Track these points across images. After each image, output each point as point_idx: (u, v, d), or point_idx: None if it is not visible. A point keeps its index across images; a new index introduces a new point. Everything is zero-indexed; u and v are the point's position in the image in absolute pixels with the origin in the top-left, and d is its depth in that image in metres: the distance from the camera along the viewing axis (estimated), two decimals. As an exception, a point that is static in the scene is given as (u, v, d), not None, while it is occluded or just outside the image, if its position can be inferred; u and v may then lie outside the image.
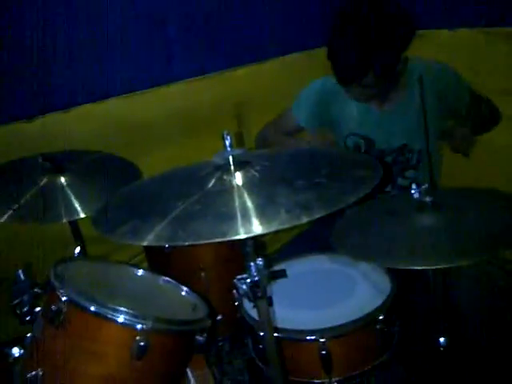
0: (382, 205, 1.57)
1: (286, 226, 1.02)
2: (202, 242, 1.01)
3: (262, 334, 1.28)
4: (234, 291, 1.20)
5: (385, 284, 1.54)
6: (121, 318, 1.23)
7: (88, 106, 2.21)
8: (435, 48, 2.22)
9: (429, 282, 1.44)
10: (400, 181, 1.97)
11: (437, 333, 1.46)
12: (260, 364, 1.53)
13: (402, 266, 1.26)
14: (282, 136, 2.04)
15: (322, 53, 1.85)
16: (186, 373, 1.48)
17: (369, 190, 1.09)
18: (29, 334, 1.35)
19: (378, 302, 1.47)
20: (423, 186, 1.37)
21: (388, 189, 1.97)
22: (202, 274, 1.78)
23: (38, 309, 1.40)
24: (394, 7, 1.70)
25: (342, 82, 1.75)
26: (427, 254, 1.28)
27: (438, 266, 1.24)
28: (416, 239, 1.33)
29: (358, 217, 1.54)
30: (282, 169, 1.22)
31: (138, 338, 1.23)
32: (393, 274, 1.55)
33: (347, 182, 1.14)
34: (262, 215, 1.05)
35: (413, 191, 1.38)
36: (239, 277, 1.18)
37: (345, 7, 1.73)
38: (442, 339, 1.46)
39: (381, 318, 1.43)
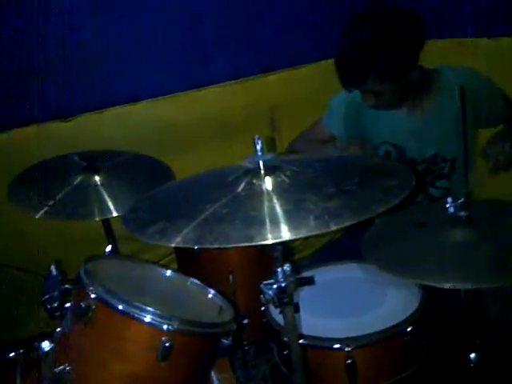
0: (413, 216, 1.54)
1: (315, 232, 1.01)
2: (229, 245, 1.01)
3: (286, 339, 1.27)
4: (261, 295, 1.20)
5: (414, 295, 1.52)
6: (147, 318, 1.24)
7: (123, 108, 2.25)
8: (474, 56, 2.18)
9: (460, 295, 1.41)
10: (431, 190, 1.93)
11: (467, 348, 1.43)
12: (284, 370, 1.52)
13: (430, 283, 1.22)
14: (313, 145, 2.03)
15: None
16: (211, 375, 1.49)
17: (400, 199, 1.07)
18: (58, 329, 1.37)
19: (407, 313, 1.44)
20: (459, 201, 1.33)
21: (419, 199, 1.94)
22: (231, 277, 1.79)
23: (67, 304, 1.42)
24: (401, 13, 1.68)
25: (345, 87, 1.74)
26: (459, 271, 1.23)
27: (470, 287, 1.20)
28: (448, 255, 1.29)
29: (387, 227, 1.51)
30: (312, 175, 1.21)
31: (163, 338, 1.24)
32: (423, 285, 1.52)
33: (378, 191, 1.12)
34: (291, 221, 1.04)
35: (448, 205, 1.35)
36: (266, 282, 1.17)
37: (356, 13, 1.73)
38: (472, 355, 1.42)
39: (409, 329, 1.41)
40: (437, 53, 2.11)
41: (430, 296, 1.49)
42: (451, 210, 1.34)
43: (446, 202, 1.34)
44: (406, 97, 1.80)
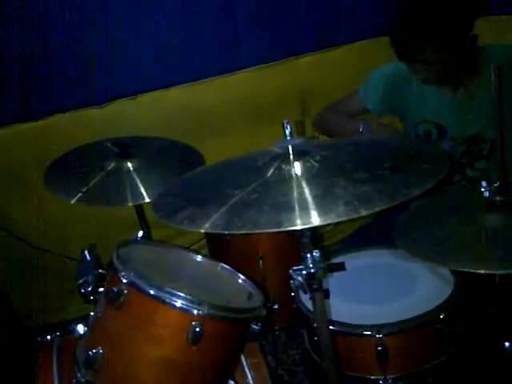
0: (448, 200, 1.50)
1: (345, 218, 0.99)
2: (257, 231, 1.01)
3: (316, 326, 1.26)
4: (291, 281, 1.20)
5: (448, 282, 1.49)
6: (178, 303, 1.25)
7: (155, 94, 2.27)
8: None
9: (495, 282, 1.37)
10: (469, 172, 1.88)
11: (502, 336, 1.40)
12: (315, 356, 1.52)
13: (465, 269, 1.20)
14: (342, 115, 2.00)
15: (387, 40, 1.78)
16: (240, 360, 1.50)
17: (433, 183, 1.05)
18: (92, 313, 1.40)
19: (440, 300, 1.42)
20: (494, 185, 1.30)
21: (456, 179, 1.89)
22: (261, 262, 1.79)
23: (101, 289, 1.44)
24: None
25: (403, 58, 1.71)
26: (494, 257, 1.21)
27: (506, 272, 1.17)
28: (482, 240, 1.27)
29: (422, 211, 1.49)
30: (342, 159, 1.19)
31: (194, 323, 1.25)
32: (457, 271, 1.49)
33: (410, 175, 1.10)
34: (320, 206, 1.03)
35: (483, 189, 1.31)
36: (295, 268, 1.17)
37: None
38: (507, 343, 1.39)
39: (442, 317, 1.38)
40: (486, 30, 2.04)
41: (463, 282, 1.46)
42: (486, 194, 1.30)
43: (482, 186, 1.31)
44: (457, 70, 1.75)
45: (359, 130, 1.85)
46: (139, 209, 1.90)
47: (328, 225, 1.01)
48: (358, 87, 2.00)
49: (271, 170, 1.16)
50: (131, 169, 1.82)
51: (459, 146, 1.85)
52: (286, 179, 1.12)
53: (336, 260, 1.60)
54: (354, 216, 0.99)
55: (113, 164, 1.82)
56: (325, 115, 2.08)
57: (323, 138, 2.07)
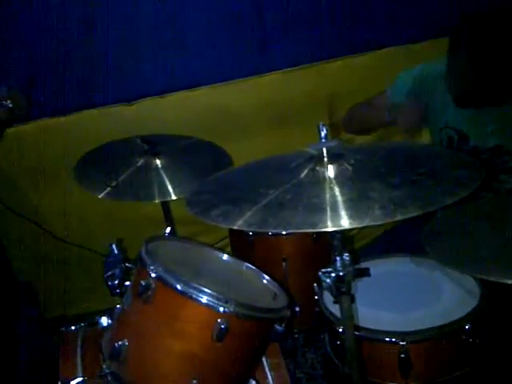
0: (477, 209, 1.49)
1: (378, 222, 0.99)
2: (291, 230, 1.02)
3: (340, 330, 1.26)
4: (315, 284, 1.20)
5: (474, 291, 1.48)
6: (204, 299, 1.26)
7: (184, 93, 2.29)
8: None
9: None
10: (494, 184, 1.86)
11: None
12: (336, 360, 1.52)
13: (494, 279, 1.19)
14: (368, 108, 1.99)
15: (416, 48, 1.79)
16: (262, 360, 1.50)
17: (468, 192, 1.04)
18: (118, 306, 1.41)
19: (466, 310, 1.41)
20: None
21: (482, 194, 1.88)
22: (284, 264, 1.79)
23: (127, 283, 1.46)
24: None
25: (481, 106, 1.70)
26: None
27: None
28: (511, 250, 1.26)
29: (450, 220, 1.48)
30: (376, 164, 1.19)
31: (219, 320, 1.26)
32: (483, 281, 1.48)
33: (446, 182, 1.10)
34: (353, 210, 1.03)
35: (515, 197, 1.30)
36: (324, 270, 1.17)
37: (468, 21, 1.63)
38: (533, 357, 1.37)
39: (467, 327, 1.38)
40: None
41: (490, 293, 1.45)
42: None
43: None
44: None
45: (386, 117, 1.85)
46: (166, 205, 1.91)
47: (354, 229, 1.02)
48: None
49: (305, 172, 1.16)
50: (159, 166, 1.83)
51: (481, 155, 1.83)
52: (319, 181, 1.13)
53: (361, 265, 1.60)
54: (389, 220, 0.99)
55: (142, 160, 1.84)
56: (352, 111, 2.08)
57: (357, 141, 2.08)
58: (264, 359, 1.52)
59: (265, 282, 1.53)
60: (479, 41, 1.57)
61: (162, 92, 2.29)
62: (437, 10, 2.33)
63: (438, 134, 1.89)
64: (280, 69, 2.34)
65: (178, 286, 1.27)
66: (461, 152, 1.82)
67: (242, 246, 1.91)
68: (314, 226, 1.01)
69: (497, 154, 1.82)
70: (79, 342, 1.55)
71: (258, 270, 1.56)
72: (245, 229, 1.03)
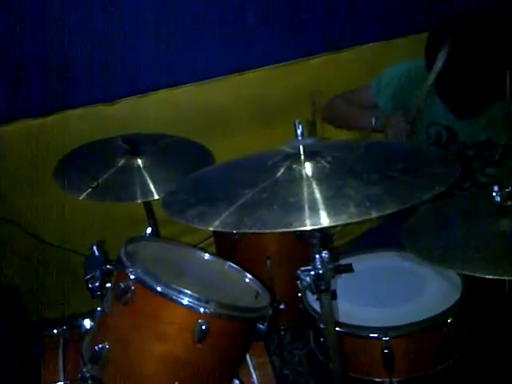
0: (458, 204, 1.50)
1: (355, 219, 0.99)
2: (267, 230, 1.01)
3: (323, 326, 1.26)
4: (298, 281, 1.19)
5: (456, 285, 1.48)
6: (185, 300, 1.25)
7: (165, 92, 2.27)
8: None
9: (504, 286, 1.36)
10: (480, 177, 1.87)
11: (510, 341, 1.39)
12: (320, 357, 1.52)
13: (475, 274, 1.19)
14: (354, 106, 1.98)
15: (398, 43, 1.78)
16: (246, 359, 1.49)
17: (444, 187, 1.04)
18: (99, 308, 1.40)
19: (448, 303, 1.41)
20: (506, 190, 1.29)
21: (466, 185, 1.88)
22: (268, 263, 1.79)
23: (108, 285, 1.45)
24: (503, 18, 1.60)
25: (462, 117, 1.72)
26: (504, 262, 1.20)
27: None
28: (493, 245, 1.26)
29: (431, 215, 1.48)
30: (353, 161, 1.18)
31: (200, 320, 1.25)
32: (466, 275, 1.48)
33: (422, 178, 1.09)
34: (331, 207, 1.03)
35: (494, 193, 1.30)
36: (303, 268, 1.16)
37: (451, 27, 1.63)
38: (514, 349, 1.38)
39: (449, 321, 1.38)
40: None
41: (472, 286, 1.45)
42: (497, 199, 1.30)
43: (493, 191, 1.30)
44: None
45: (371, 123, 1.84)
46: (148, 206, 1.90)
47: (337, 226, 1.01)
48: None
49: (282, 170, 1.15)
50: (141, 166, 1.82)
51: (468, 150, 1.83)
52: (296, 179, 1.12)
53: (344, 261, 1.60)
54: (365, 217, 0.98)
55: (123, 161, 1.82)
56: (335, 104, 2.07)
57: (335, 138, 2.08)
58: (248, 358, 1.52)
59: (247, 280, 1.53)
60: (461, 49, 1.58)
61: (144, 91, 2.27)
62: (420, 5, 2.33)
63: (424, 130, 1.88)
64: (263, 66, 2.33)
65: (158, 288, 1.26)
66: (445, 147, 1.82)
67: (225, 245, 1.90)
68: (290, 225, 1.00)
69: (486, 147, 1.82)
70: (61, 346, 1.54)
71: (240, 269, 1.55)
72: (220, 229, 1.02)
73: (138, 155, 1.83)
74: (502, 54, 1.56)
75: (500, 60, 1.56)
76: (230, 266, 1.57)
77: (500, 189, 1.30)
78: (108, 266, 1.50)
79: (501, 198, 1.29)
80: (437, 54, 1.60)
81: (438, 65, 1.59)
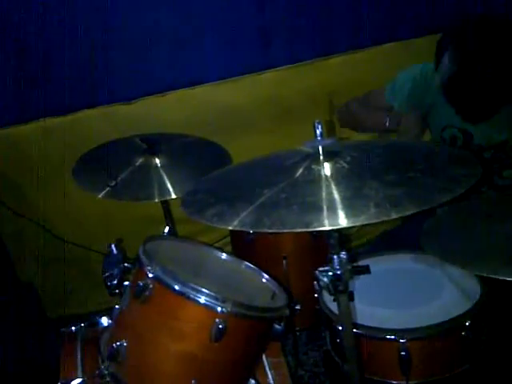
0: (477, 206, 1.48)
1: (374, 220, 0.98)
2: (285, 230, 1.01)
3: (340, 328, 1.26)
4: (314, 282, 1.19)
5: (474, 288, 1.47)
6: (202, 299, 1.26)
7: (184, 91, 2.28)
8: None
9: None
10: (497, 180, 1.85)
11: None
12: (336, 358, 1.51)
13: (495, 276, 1.18)
14: (369, 110, 1.98)
15: (417, 43, 1.76)
16: (262, 359, 1.50)
17: (465, 189, 1.03)
18: (117, 306, 1.41)
19: (466, 307, 1.40)
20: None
21: (483, 188, 1.86)
22: (284, 263, 1.79)
23: (126, 283, 1.46)
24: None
25: (470, 120, 1.70)
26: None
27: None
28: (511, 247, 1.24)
29: (450, 217, 1.47)
30: (373, 161, 1.18)
31: (217, 320, 1.25)
32: (483, 278, 1.47)
33: (442, 180, 1.08)
34: (349, 208, 1.02)
35: (515, 195, 1.29)
36: (321, 269, 1.16)
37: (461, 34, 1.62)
38: (534, 354, 1.36)
39: (467, 324, 1.36)
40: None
41: (490, 289, 1.44)
42: (517, 200, 1.28)
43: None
44: None
45: (385, 123, 1.83)
46: (165, 205, 1.91)
47: (355, 227, 1.01)
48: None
49: (300, 170, 1.15)
50: (159, 165, 1.83)
51: (485, 153, 1.82)
52: (315, 179, 1.12)
53: (361, 263, 1.59)
54: (385, 219, 0.98)
55: (141, 160, 1.84)
56: (350, 106, 2.07)
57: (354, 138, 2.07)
58: (264, 358, 1.52)
59: (264, 280, 1.53)
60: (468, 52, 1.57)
61: (162, 90, 2.28)
62: (436, 5, 2.31)
63: (439, 133, 1.87)
64: (280, 66, 2.33)
65: (176, 286, 1.27)
66: (460, 149, 1.81)
67: (242, 244, 1.90)
68: (309, 225, 1.00)
69: (502, 150, 1.81)
70: (79, 343, 1.55)
71: (257, 268, 1.56)
72: (239, 229, 1.02)
73: (156, 154, 1.85)
74: (508, 56, 1.54)
75: (506, 63, 1.54)
76: (246, 265, 1.57)
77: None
78: (126, 265, 1.50)
79: (521, 200, 1.28)
80: (442, 56, 1.59)
81: (443, 68, 1.58)
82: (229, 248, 2.08)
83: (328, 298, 1.46)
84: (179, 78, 2.28)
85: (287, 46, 2.34)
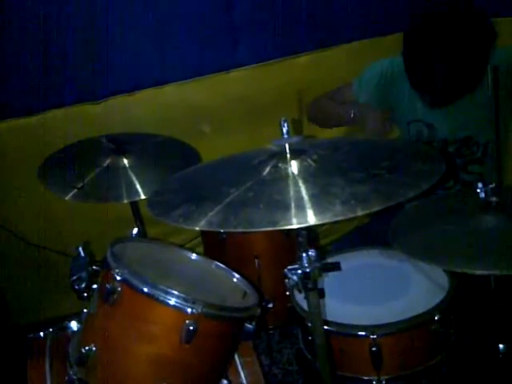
0: (443, 201, 1.50)
1: (341, 217, 0.99)
2: (253, 229, 1.00)
3: (310, 325, 1.26)
4: (286, 280, 1.19)
5: (442, 283, 1.49)
6: (172, 301, 1.25)
7: (151, 91, 2.25)
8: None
9: (490, 284, 1.37)
10: (463, 175, 1.88)
11: (496, 338, 1.39)
12: (308, 355, 1.52)
13: (461, 270, 1.20)
14: (336, 104, 2.00)
15: (385, 41, 1.77)
16: (234, 359, 1.49)
17: (430, 184, 1.04)
18: (85, 310, 1.39)
19: (435, 301, 1.42)
20: (490, 186, 1.30)
21: (450, 184, 1.89)
22: (256, 261, 1.79)
23: (94, 286, 1.44)
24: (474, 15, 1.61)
25: (434, 106, 1.73)
26: (490, 258, 1.21)
27: (502, 273, 1.17)
28: (478, 241, 1.27)
29: (417, 213, 1.48)
30: (339, 159, 1.18)
31: (187, 321, 1.24)
32: (452, 272, 1.49)
33: (407, 176, 1.09)
34: (317, 206, 1.02)
35: (478, 190, 1.31)
36: (290, 267, 1.16)
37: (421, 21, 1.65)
38: (501, 346, 1.39)
39: (436, 318, 1.38)
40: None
41: (458, 284, 1.46)
42: (482, 195, 1.31)
43: (477, 188, 1.31)
44: None
45: (350, 115, 1.85)
46: (134, 206, 1.89)
47: (324, 224, 1.01)
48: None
49: (267, 169, 1.15)
50: (127, 165, 1.81)
51: (450, 146, 1.84)
52: (282, 178, 1.12)
53: (331, 260, 1.60)
54: (351, 216, 0.98)
55: (108, 160, 1.81)
56: (318, 101, 2.08)
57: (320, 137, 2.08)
58: (237, 357, 1.52)
59: (235, 280, 1.52)
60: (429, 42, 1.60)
61: (130, 90, 2.25)
62: (404, 3, 2.33)
63: (405, 127, 1.89)
64: (249, 64, 2.32)
65: (144, 289, 1.25)
66: (427, 145, 1.83)
67: (213, 244, 1.89)
68: (277, 223, 0.99)
69: (466, 145, 1.84)
70: (48, 348, 1.52)
71: (227, 268, 1.55)
72: (206, 229, 1.01)
73: (124, 155, 1.82)
74: (469, 44, 1.57)
75: (466, 49, 1.57)
76: (217, 265, 1.57)
77: (484, 185, 1.31)
78: (94, 267, 1.48)
79: (485, 195, 1.30)
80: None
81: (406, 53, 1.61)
82: (201, 248, 2.06)
83: (299, 296, 1.46)
84: (147, 76, 2.26)
85: (255, 44, 2.33)
